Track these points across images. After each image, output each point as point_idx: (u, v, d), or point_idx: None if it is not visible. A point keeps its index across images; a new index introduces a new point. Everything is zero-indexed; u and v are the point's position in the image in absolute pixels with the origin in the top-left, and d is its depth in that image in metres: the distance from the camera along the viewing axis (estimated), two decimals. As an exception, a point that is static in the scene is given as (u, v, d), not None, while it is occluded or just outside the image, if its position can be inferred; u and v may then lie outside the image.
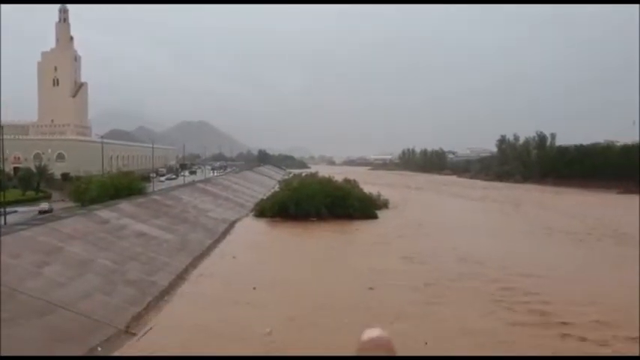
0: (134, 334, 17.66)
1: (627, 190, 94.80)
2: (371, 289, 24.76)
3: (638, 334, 17.60)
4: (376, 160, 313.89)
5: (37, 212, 49.62)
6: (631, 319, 19.27)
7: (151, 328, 18.45)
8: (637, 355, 13.58)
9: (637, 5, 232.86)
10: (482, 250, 34.97)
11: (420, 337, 17.32)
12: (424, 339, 17.35)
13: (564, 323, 19.84)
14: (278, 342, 17.56)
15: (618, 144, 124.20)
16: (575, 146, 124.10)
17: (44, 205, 53.95)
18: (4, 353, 13.45)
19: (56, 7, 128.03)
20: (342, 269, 29.93)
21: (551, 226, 48.96)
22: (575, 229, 47.17)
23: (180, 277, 26.20)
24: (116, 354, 15.94)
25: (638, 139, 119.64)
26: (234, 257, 33.18)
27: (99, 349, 15.90)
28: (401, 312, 20.91)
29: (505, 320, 20.34)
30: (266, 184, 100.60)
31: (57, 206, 53.89)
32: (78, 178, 62.84)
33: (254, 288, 24.41)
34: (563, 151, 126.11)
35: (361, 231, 45.82)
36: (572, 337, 18.56)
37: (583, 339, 18.25)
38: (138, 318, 19.19)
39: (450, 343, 17.70)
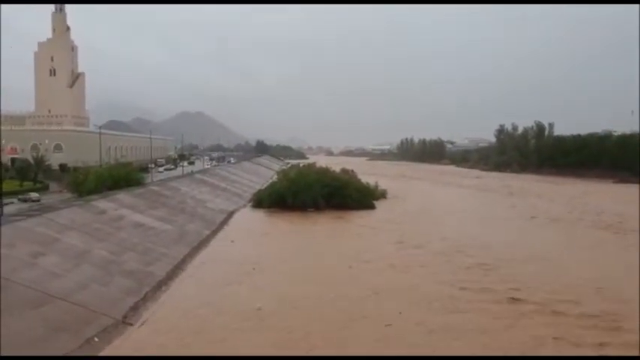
0: (131, 325, 17.68)
1: (623, 180, 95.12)
2: (350, 267, 27.40)
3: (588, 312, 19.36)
4: (374, 150, 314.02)
5: (24, 201, 51.44)
6: (591, 297, 21.65)
7: (147, 318, 18.49)
8: (637, 355, 13.62)
9: (637, 5, 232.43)
10: (472, 238, 36.32)
11: (393, 307, 19.79)
12: (397, 309, 19.59)
13: (515, 290, 22.46)
14: (265, 316, 19.07)
15: (615, 134, 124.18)
16: (573, 136, 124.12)
17: (33, 195, 55.57)
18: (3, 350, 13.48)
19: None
20: (333, 253, 32.06)
21: (538, 213, 50.95)
22: (561, 216, 49.25)
23: (178, 268, 26.22)
24: (113, 344, 15.93)
25: (635, 128, 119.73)
26: (232, 241, 35.06)
27: (95, 339, 15.90)
28: (376, 285, 23.32)
29: (471, 295, 22.00)
30: (264, 174, 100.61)
31: (55, 197, 53.94)
32: (75, 169, 62.71)
33: (253, 269, 26.63)
34: (561, 140, 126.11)
35: (357, 220, 46.04)
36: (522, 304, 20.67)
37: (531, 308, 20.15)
38: (135, 308, 19.20)
39: (420, 310, 19.68)
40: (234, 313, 19.39)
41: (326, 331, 17.47)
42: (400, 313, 19.18)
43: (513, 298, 21.24)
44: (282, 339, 16.78)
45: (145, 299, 20.47)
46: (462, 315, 19.15)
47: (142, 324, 17.92)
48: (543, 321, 18.58)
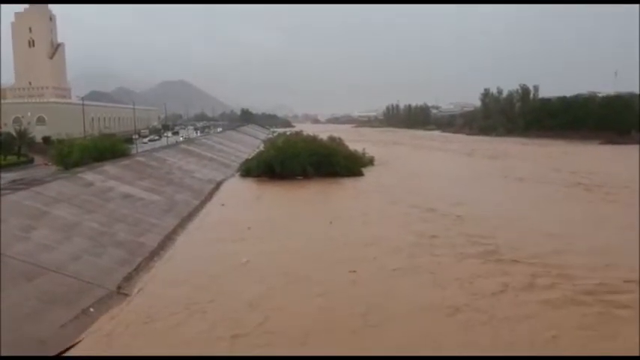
0: (126, 295, 17.81)
1: (609, 141, 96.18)
2: (331, 223, 29.68)
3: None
4: (360, 117, 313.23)
5: None
6: (541, 243, 24.08)
7: (142, 288, 18.63)
8: (637, 355, 13.93)
9: (637, 5, 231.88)
10: (448, 197, 38.20)
11: (367, 255, 22.65)
12: (371, 256, 22.49)
13: (475, 238, 25.48)
14: (251, 266, 21.48)
15: (600, 95, 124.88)
16: (558, 98, 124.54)
17: None
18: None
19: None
20: (318, 213, 34.07)
21: (515, 173, 53.44)
22: (537, 176, 51.22)
23: (169, 238, 26.29)
24: (109, 313, 16.06)
25: (619, 89, 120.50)
26: (222, 205, 36.82)
27: (91, 309, 16.02)
28: (352, 236, 26.54)
29: (436, 242, 24.83)
30: (250, 143, 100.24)
31: (41, 171, 53.43)
32: (60, 142, 61.93)
33: (248, 228, 28.34)
34: (546, 103, 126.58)
35: (345, 185, 46.91)
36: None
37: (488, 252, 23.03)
38: (129, 278, 19.31)
39: (388, 258, 22.29)
40: (225, 268, 21.25)
41: (302, 279, 19.66)
42: (375, 258, 22.16)
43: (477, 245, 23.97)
44: (263, 284, 18.97)
45: (138, 269, 20.58)
46: (422, 259, 22.02)
47: (137, 293, 18.07)
48: (493, 264, 21.12)
